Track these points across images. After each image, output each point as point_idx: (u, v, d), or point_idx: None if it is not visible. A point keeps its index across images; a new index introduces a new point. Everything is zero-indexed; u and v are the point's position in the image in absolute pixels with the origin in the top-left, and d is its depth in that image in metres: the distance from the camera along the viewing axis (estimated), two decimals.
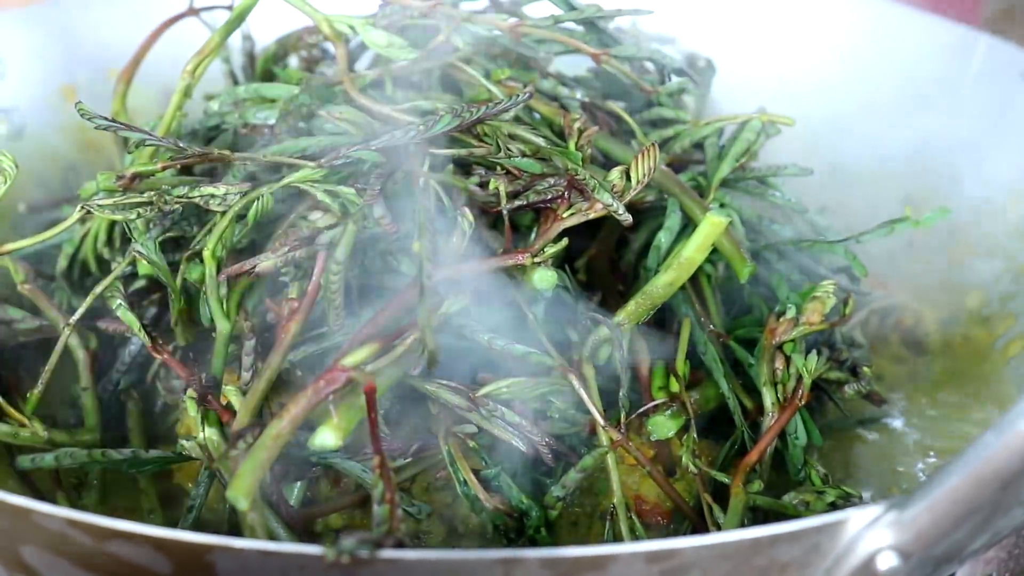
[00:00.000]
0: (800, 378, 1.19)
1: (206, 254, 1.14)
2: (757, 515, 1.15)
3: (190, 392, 1.13)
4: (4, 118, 1.52)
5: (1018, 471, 0.87)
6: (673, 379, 1.19)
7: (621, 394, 1.15)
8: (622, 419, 1.14)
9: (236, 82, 1.45)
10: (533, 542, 1.13)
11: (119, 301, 1.18)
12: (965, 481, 0.88)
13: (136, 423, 1.23)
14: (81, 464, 1.14)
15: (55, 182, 1.50)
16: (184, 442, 1.12)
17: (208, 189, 1.13)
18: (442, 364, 1.06)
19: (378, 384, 1.02)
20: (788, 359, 1.20)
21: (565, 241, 1.14)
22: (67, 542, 0.92)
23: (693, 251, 1.16)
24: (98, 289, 1.17)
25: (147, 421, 1.24)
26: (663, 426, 1.17)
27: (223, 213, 1.13)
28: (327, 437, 1.02)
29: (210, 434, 1.10)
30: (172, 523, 1.15)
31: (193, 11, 1.38)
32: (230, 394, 1.11)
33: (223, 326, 1.15)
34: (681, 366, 1.19)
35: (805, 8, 1.76)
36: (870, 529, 0.92)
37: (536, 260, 1.13)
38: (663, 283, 1.17)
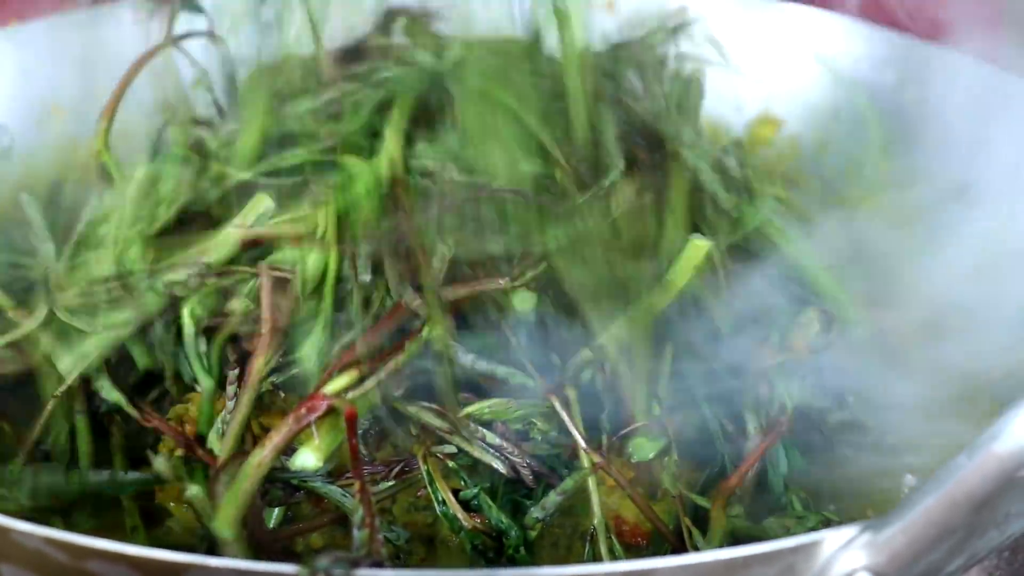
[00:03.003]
0: (783, 403, 1.19)
1: (184, 313, 1.15)
2: (738, 539, 1.15)
3: (176, 453, 1.14)
4: None
5: (991, 493, 0.87)
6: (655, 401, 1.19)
7: (603, 416, 1.15)
8: (604, 441, 1.15)
9: (220, 109, 1.46)
10: (512, 561, 1.13)
11: (103, 381, 1.19)
12: (939, 503, 0.89)
13: (118, 444, 1.23)
14: (59, 489, 1.14)
15: (41, 202, 1.50)
16: (155, 463, 1.13)
17: (171, 277, 1.15)
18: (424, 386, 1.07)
19: (359, 410, 1.04)
20: (771, 385, 1.20)
21: (544, 264, 1.15)
22: (45, 561, 0.92)
23: (676, 274, 1.17)
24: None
25: (130, 441, 1.24)
26: (644, 448, 1.17)
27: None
28: (308, 458, 1.03)
29: (195, 491, 1.09)
30: (155, 540, 1.16)
31: (172, 41, 1.40)
32: (214, 444, 1.12)
33: (207, 384, 1.16)
34: (663, 388, 1.20)
35: (791, 30, 1.78)
36: (845, 550, 0.92)
37: (515, 283, 1.13)
38: (646, 305, 1.17)
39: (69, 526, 1.13)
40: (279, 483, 1.10)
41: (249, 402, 1.10)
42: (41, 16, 1.62)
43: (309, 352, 1.11)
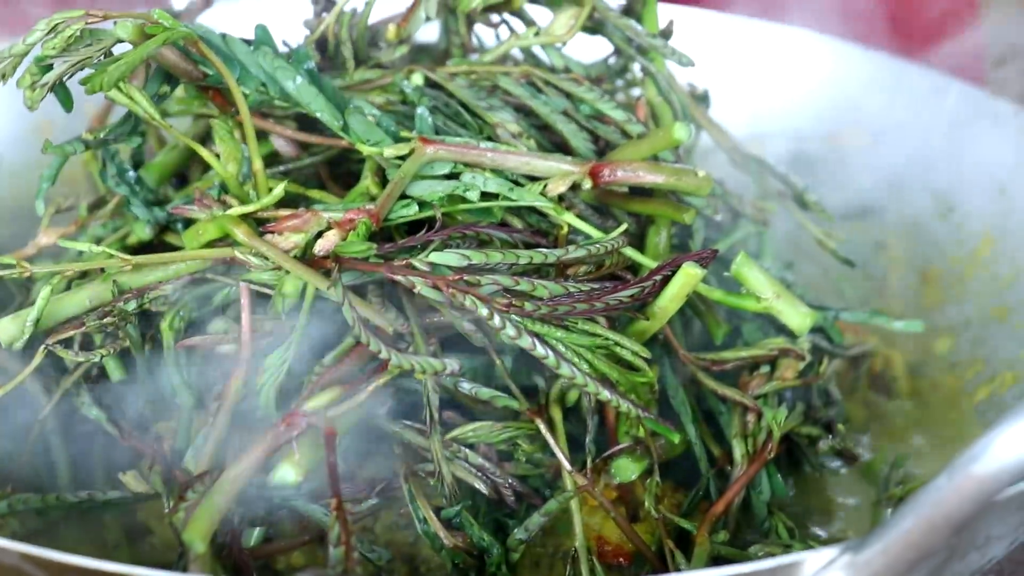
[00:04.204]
0: (770, 431, 1.19)
1: (163, 327, 1.15)
2: (721, 564, 1.15)
3: (156, 470, 1.13)
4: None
5: (969, 515, 0.87)
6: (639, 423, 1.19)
7: (588, 439, 1.15)
8: (588, 463, 1.14)
9: None
10: None
11: (86, 400, 1.19)
12: (918, 525, 0.88)
13: (99, 461, 1.23)
14: (35, 509, 1.14)
15: (28, 217, 1.50)
16: (127, 480, 1.13)
17: (155, 293, 1.15)
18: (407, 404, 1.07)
19: (339, 428, 1.03)
20: (759, 412, 1.20)
21: None
22: None
23: (668, 300, 1.16)
24: (67, 383, 1.19)
25: (111, 457, 1.23)
26: (626, 469, 1.17)
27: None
28: (287, 473, 1.03)
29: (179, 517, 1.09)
30: (137, 557, 1.16)
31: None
32: (190, 463, 1.11)
33: (186, 400, 1.16)
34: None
35: (778, 51, 1.78)
36: (825, 572, 0.92)
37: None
38: (636, 331, 1.17)
39: (52, 542, 1.14)
40: (260, 501, 1.10)
41: (227, 418, 1.09)
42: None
43: (270, 367, 1.10)
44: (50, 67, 1.10)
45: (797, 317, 1.18)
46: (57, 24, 1.09)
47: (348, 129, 1.20)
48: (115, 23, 1.09)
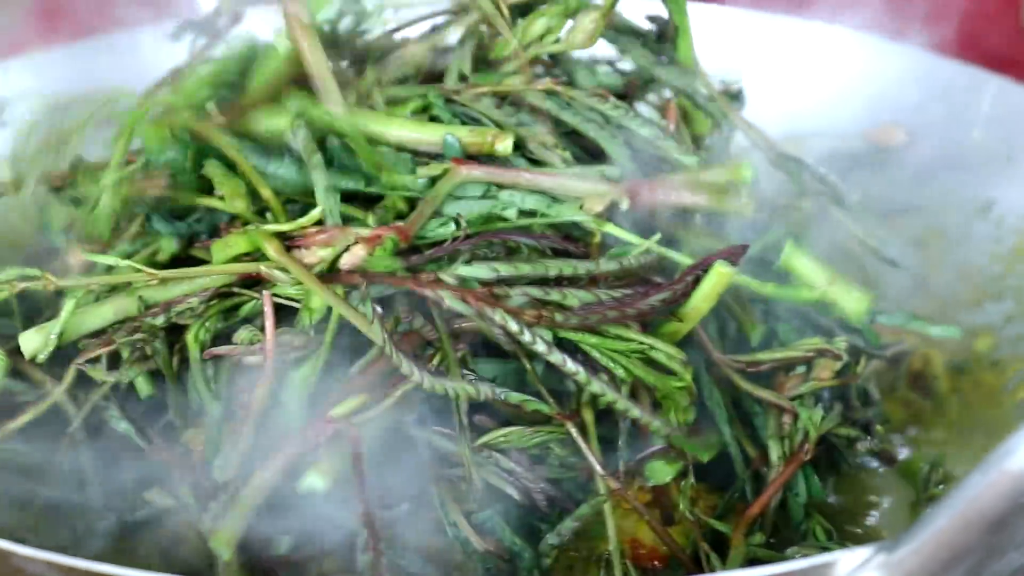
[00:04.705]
0: (807, 432, 1.18)
1: (189, 339, 1.15)
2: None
3: (184, 481, 1.13)
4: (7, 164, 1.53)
5: (1005, 512, 0.86)
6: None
7: (620, 442, 1.15)
8: (621, 467, 1.14)
9: None
10: None
11: (114, 412, 1.19)
12: (952, 523, 0.87)
13: (128, 473, 1.23)
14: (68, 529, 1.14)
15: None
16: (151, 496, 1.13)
17: (181, 307, 1.15)
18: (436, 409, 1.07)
19: (366, 434, 1.03)
20: (795, 413, 1.19)
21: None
22: None
23: (700, 300, 1.15)
24: (94, 398, 1.19)
25: (140, 468, 1.24)
26: (660, 471, 1.16)
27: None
28: (315, 481, 1.03)
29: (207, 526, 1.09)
30: (167, 565, 1.15)
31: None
32: (218, 474, 1.11)
33: (214, 410, 1.16)
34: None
35: (814, 48, 1.77)
36: (859, 571, 0.91)
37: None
38: (668, 332, 1.16)
39: (80, 549, 1.14)
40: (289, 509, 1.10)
41: (253, 428, 1.09)
42: (60, 43, 1.64)
43: (296, 381, 1.10)
44: None
45: (853, 301, 1.17)
46: None
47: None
48: None
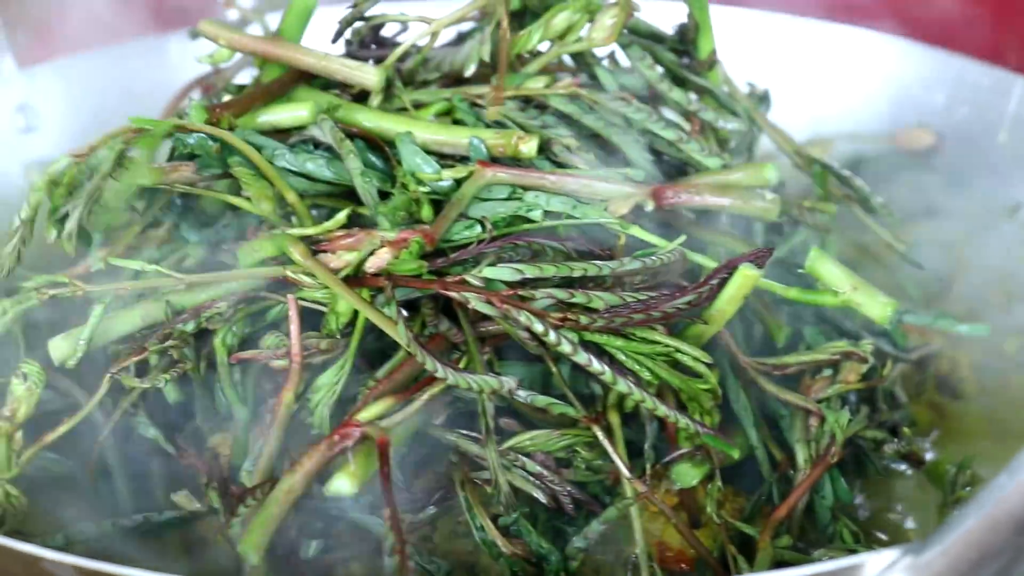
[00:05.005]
0: (833, 435, 1.18)
1: (216, 343, 1.15)
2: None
3: (212, 487, 1.13)
4: (39, 169, 1.54)
5: None
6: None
7: (647, 445, 1.14)
8: (647, 470, 1.14)
9: None
10: None
11: (142, 418, 1.20)
12: (979, 525, 0.87)
13: (156, 477, 1.24)
14: (92, 537, 1.14)
15: None
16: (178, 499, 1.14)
17: (210, 312, 1.16)
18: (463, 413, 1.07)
19: (393, 438, 1.03)
20: (822, 416, 1.19)
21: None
22: None
23: (725, 303, 1.15)
24: (125, 404, 1.19)
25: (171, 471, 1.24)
26: (687, 475, 1.16)
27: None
28: (343, 484, 1.04)
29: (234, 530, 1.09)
30: (195, 570, 1.16)
31: (218, 72, 1.41)
32: (245, 479, 1.12)
33: (241, 414, 1.16)
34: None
35: (839, 51, 1.77)
36: (886, 574, 0.91)
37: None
38: (693, 334, 1.16)
39: (110, 554, 1.14)
40: (317, 513, 1.10)
41: (280, 432, 1.10)
42: (87, 49, 1.65)
43: (323, 386, 1.10)
44: (66, 216, 1.15)
45: (878, 307, 1.16)
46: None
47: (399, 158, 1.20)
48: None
